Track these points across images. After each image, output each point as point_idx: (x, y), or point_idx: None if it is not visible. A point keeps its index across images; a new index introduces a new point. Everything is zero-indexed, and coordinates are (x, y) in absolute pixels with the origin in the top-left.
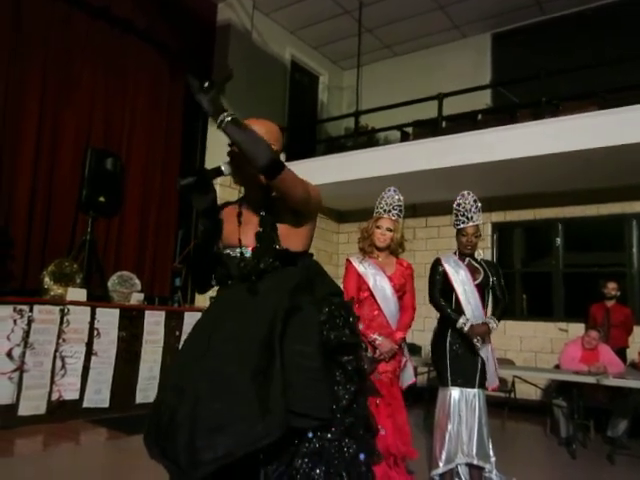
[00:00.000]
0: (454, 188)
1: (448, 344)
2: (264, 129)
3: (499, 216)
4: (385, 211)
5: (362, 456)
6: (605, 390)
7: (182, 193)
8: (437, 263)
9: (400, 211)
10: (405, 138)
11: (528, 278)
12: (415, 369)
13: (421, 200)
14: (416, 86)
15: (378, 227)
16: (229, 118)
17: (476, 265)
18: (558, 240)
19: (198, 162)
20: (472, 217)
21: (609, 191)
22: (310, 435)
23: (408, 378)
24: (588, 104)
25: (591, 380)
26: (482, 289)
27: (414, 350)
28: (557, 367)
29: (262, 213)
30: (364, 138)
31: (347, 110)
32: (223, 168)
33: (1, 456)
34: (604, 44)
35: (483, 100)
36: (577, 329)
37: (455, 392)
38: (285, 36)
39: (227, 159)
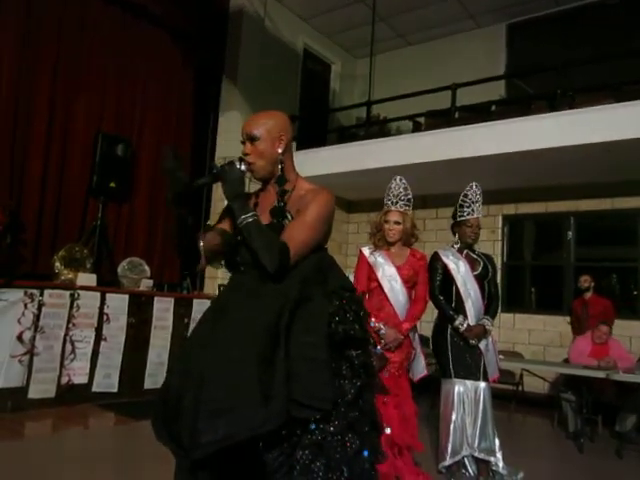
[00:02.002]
0: (466, 180)
1: (449, 336)
2: (272, 122)
3: (510, 209)
4: (393, 203)
5: (366, 453)
6: (614, 385)
7: (197, 190)
8: (435, 258)
9: (408, 200)
10: (417, 128)
11: (538, 271)
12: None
13: (432, 191)
14: (429, 76)
15: (386, 221)
16: (250, 220)
17: (474, 257)
18: (569, 234)
19: (209, 149)
20: (476, 209)
21: (624, 185)
22: (313, 427)
23: (420, 370)
24: (603, 96)
25: (600, 375)
26: (481, 280)
27: (423, 341)
28: (566, 361)
29: (275, 204)
30: (376, 128)
31: (359, 99)
32: (243, 168)
33: (11, 438)
34: (620, 36)
35: (497, 91)
36: None
37: (458, 384)
38: (298, 24)
39: (235, 158)
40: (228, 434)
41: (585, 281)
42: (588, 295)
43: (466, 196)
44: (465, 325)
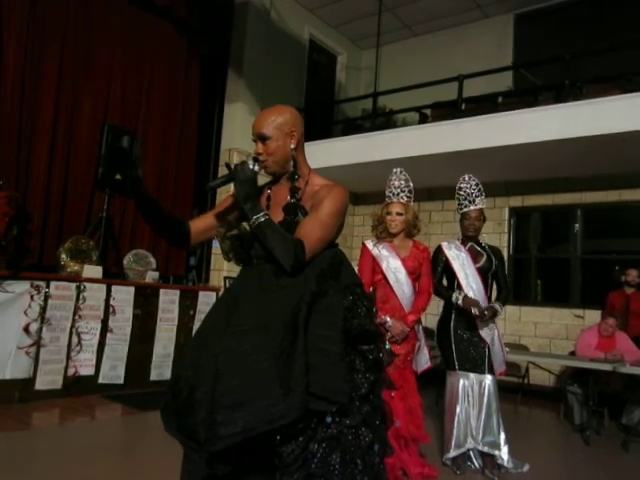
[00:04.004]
0: (472, 171)
1: (452, 328)
2: (282, 118)
3: (517, 201)
4: (394, 195)
5: (376, 447)
6: (620, 378)
7: (209, 192)
8: (438, 252)
9: (410, 192)
10: (423, 120)
11: (545, 264)
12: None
13: (438, 183)
14: (436, 67)
15: (388, 213)
16: (262, 219)
17: (478, 249)
18: (576, 226)
19: (214, 140)
20: (474, 201)
21: (631, 177)
22: (329, 420)
23: (424, 362)
24: (612, 87)
25: (607, 367)
26: (484, 273)
27: (428, 333)
28: (572, 353)
29: (289, 200)
30: (382, 119)
31: (365, 91)
32: (256, 168)
33: (18, 429)
34: (629, 26)
35: (504, 82)
36: (593, 316)
37: (463, 377)
38: (304, 14)
39: (248, 157)
40: (247, 426)
41: (636, 276)
42: (631, 290)
43: (460, 189)
44: (462, 297)
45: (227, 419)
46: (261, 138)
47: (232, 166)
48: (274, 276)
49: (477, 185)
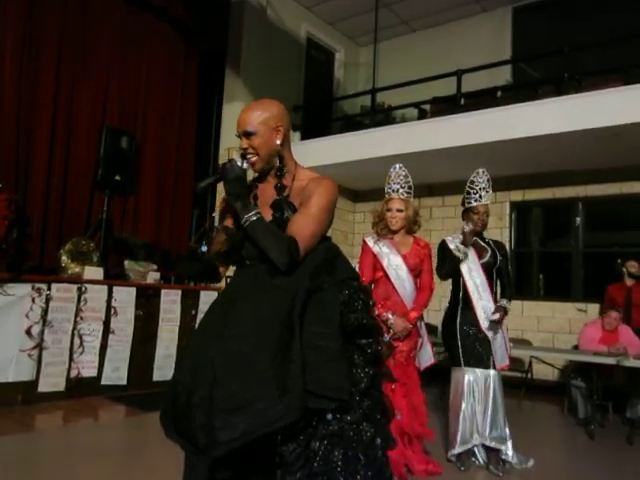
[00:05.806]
0: (472, 167)
1: (458, 325)
2: (268, 113)
3: (518, 195)
4: (394, 191)
5: (378, 441)
6: (624, 371)
7: (200, 194)
8: (443, 246)
9: (409, 188)
10: (422, 116)
11: (546, 258)
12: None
13: (438, 179)
14: (434, 62)
15: (389, 210)
16: (254, 218)
17: (483, 245)
18: (578, 220)
19: (213, 140)
20: (484, 196)
21: (632, 169)
22: (329, 417)
23: (427, 359)
24: (611, 80)
25: (611, 361)
26: (489, 268)
27: (430, 330)
28: (575, 347)
29: (276, 197)
30: (381, 116)
31: (363, 87)
32: (245, 166)
33: (22, 431)
34: (628, 18)
35: (503, 76)
36: (596, 309)
37: (468, 373)
38: (301, 12)
39: (235, 155)
40: (247, 430)
41: (634, 267)
42: (632, 282)
43: (472, 182)
44: (460, 240)
45: (225, 424)
46: (246, 134)
47: (220, 166)
48: (269, 275)
49: (489, 181)
